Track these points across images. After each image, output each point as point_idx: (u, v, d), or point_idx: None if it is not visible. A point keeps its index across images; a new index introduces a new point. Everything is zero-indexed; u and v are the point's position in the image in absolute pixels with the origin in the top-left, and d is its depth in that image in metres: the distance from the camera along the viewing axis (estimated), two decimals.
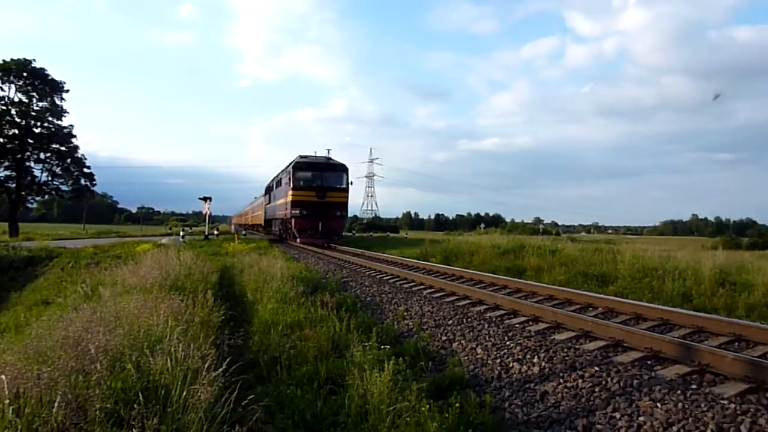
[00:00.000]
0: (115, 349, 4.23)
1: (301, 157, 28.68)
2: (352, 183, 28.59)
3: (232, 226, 62.73)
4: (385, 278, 13.10)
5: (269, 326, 6.56)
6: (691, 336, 6.69)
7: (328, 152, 30.02)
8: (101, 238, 37.82)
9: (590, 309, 8.56)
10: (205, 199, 34.51)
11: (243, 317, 7.89)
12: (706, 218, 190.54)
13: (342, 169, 28.40)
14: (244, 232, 46.74)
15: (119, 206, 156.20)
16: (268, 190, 41.89)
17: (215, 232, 39.81)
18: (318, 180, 27.50)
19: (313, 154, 29.33)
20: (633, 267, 13.76)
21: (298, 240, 27.39)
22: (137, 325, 4.98)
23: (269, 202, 40.77)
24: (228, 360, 4.20)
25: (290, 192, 27.23)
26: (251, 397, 3.92)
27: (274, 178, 37.76)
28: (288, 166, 29.49)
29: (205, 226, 39.31)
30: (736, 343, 6.30)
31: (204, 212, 36.25)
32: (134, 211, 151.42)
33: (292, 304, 7.65)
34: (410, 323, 8.06)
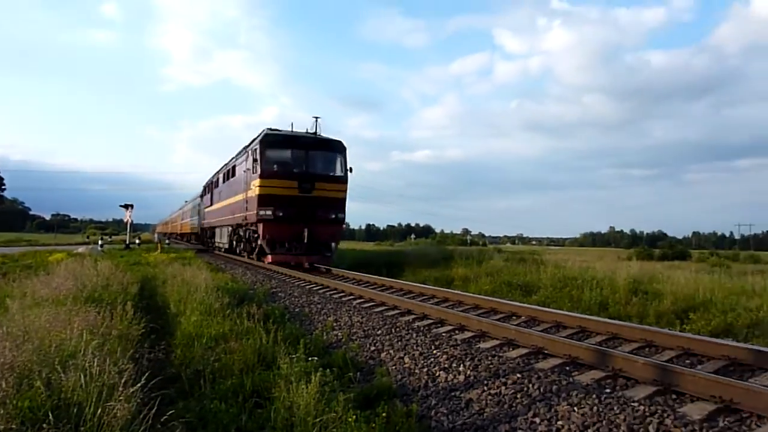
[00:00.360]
0: (23, 366, 3.95)
1: (272, 129, 18.98)
2: (351, 170, 18.67)
3: (156, 235, 60.28)
4: (314, 288, 12.99)
5: (193, 339, 6.33)
6: (607, 342, 7.04)
7: (316, 122, 19.16)
8: (10, 246, 35.39)
9: (514, 318, 8.84)
10: (126, 206, 33.12)
11: (165, 330, 7.58)
12: (622, 230, 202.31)
13: (338, 148, 18.82)
14: (167, 242, 44.93)
15: (31, 213, 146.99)
16: (209, 188, 32.01)
17: (137, 241, 38.18)
18: (302, 164, 17.99)
19: (289, 130, 19.28)
20: (555, 277, 14.37)
21: (268, 258, 18.10)
22: (48, 340, 4.68)
23: (210, 204, 30.79)
24: (147, 374, 4.03)
25: (257, 182, 17.69)
26: (171, 412, 3.77)
27: (221, 168, 27.54)
28: (251, 144, 19.45)
29: (126, 234, 37.63)
30: (647, 349, 6.67)
31: (125, 220, 34.72)
32: (48, 218, 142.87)
33: (217, 316, 7.43)
34: (339, 334, 8.03)
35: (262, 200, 17.42)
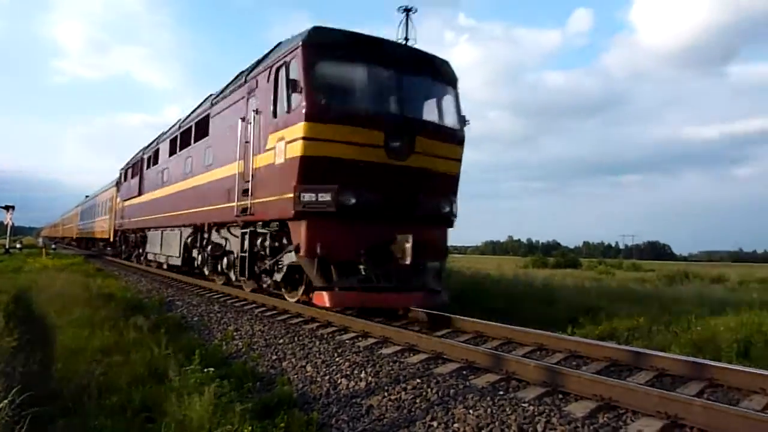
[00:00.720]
0: None
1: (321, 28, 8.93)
2: (468, 121, 10.16)
3: (40, 239, 55.72)
4: (215, 296, 12.55)
5: (76, 352, 5.89)
6: (502, 347, 7.33)
7: (407, 18, 12.02)
8: None
9: (416, 324, 8.99)
10: (6, 207, 30.43)
11: (45, 342, 7.00)
12: (519, 239, 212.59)
13: (449, 74, 10.12)
14: (53, 246, 41.61)
15: None
16: (134, 170, 22.28)
17: (18, 246, 35.16)
18: (389, 96, 9.19)
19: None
20: (457, 283, 14.80)
21: (322, 297, 8.30)
22: None
23: (138, 194, 20.72)
24: (16, 390, 3.68)
25: (295, 130, 8.38)
26: None
27: (165, 134, 18.26)
28: (271, 56, 9.95)
29: (5, 238, 34.56)
30: (538, 352, 7.02)
31: (5, 223, 31.91)
32: None
33: (105, 327, 6.97)
34: (240, 343, 7.80)
35: (311, 170, 8.30)
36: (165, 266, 17.56)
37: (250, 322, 9.19)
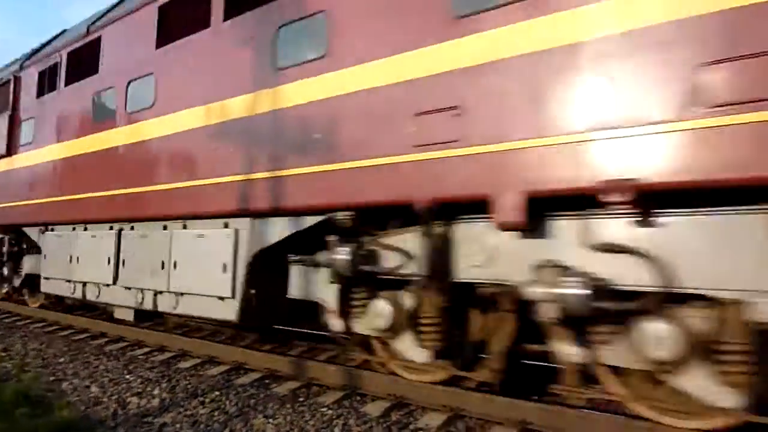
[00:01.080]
0: None
1: None
2: None
3: None
4: None
5: None
6: (306, 353, 7.38)
7: None
8: None
9: (220, 334, 8.68)
10: None
11: None
12: None
13: None
14: None
15: None
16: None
17: None
18: None
19: None
20: None
21: None
22: None
23: (8, 151, 10.56)
24: None
25: None
26: None
27: None
28: None
29: None
30: (342, 355, 7.21)
31: None
32: None
33: None
34: (9, 365, 6.80)
35: None
36: (125, 317, 8.28)
37: (23, 339, 8.09)
